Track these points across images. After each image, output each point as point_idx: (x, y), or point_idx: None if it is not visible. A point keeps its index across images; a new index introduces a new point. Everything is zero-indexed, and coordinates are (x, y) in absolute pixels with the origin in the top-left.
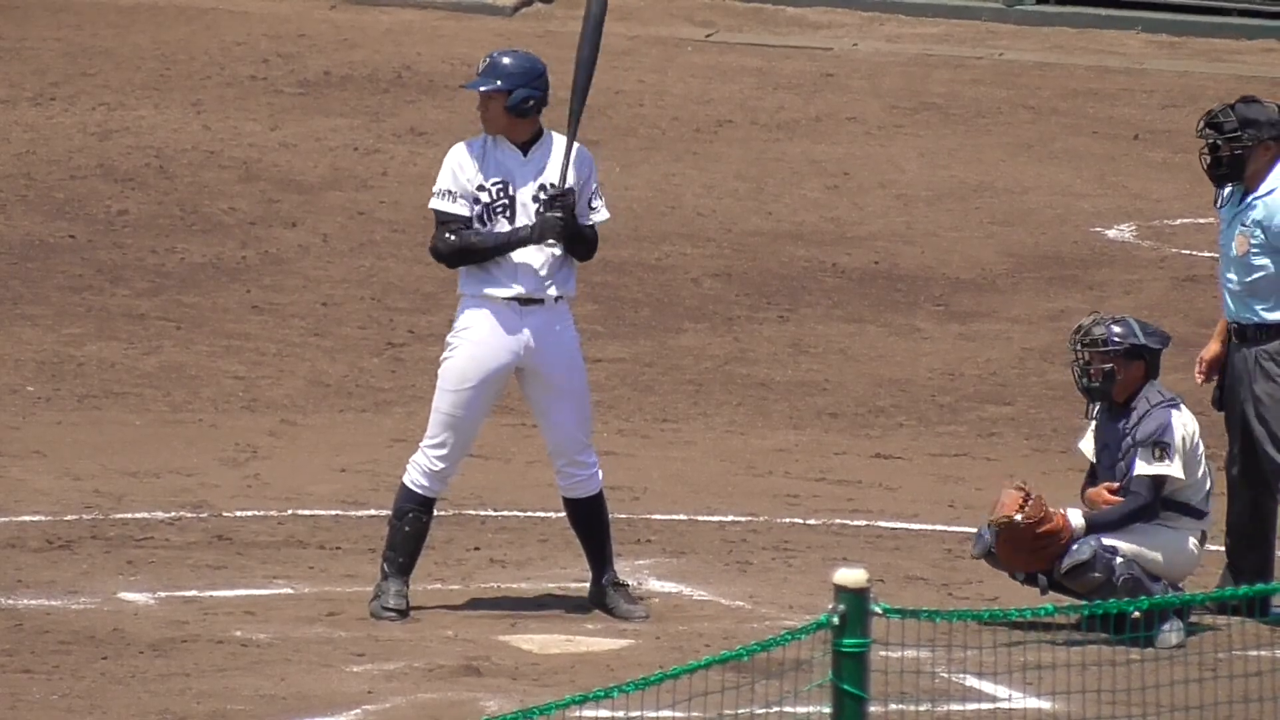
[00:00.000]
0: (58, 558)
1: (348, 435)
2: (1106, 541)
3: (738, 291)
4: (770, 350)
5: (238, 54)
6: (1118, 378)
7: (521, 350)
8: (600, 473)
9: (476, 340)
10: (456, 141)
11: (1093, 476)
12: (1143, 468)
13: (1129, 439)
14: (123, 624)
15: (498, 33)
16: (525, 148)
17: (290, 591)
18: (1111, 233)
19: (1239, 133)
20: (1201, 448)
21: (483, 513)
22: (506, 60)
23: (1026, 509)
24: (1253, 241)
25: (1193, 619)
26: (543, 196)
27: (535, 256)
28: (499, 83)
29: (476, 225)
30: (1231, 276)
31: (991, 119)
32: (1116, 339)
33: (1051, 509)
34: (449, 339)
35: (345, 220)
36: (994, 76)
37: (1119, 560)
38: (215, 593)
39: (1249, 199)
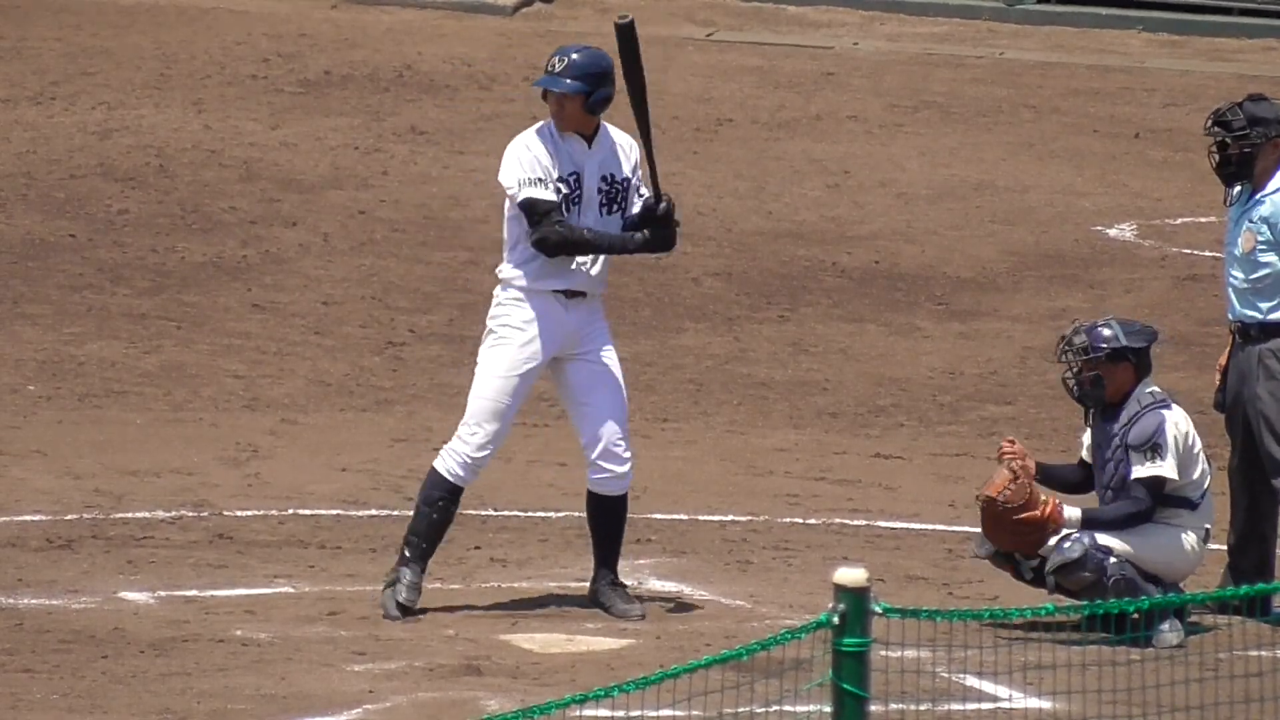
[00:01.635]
0: (58, 557)
1: (348, 434)
2: (1101, 541)
3: (738, 291)
4: (770, 350)
5: (238, 53)
6: (1106, 382)
7: (565, 339)
8: (632, 475)
9: (528, 328)
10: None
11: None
12: (1139, 471)
13: (1118, 439)
14: (123, 623)
15: (498, 32)
16: (589, 139)
17: (291, 591)
18: (1112, 231)
19: (1247, 130)
20: (1198, 444)
21: (483, 512)
22: (582, 59)
23: (1010, 491)
24: (1259, 239)
25: (1193, 619)
26: (638, 201)
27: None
28: (581, 84)
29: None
30: (1237, 274)
31: (992, 118)
32: (1100, 345)
33: (1043, 495)
34: (495, 327)
35: (346, 219)
36: (995, 75)
37: (1111, 560)
38: (216, 592)
39: (1256, 196)
